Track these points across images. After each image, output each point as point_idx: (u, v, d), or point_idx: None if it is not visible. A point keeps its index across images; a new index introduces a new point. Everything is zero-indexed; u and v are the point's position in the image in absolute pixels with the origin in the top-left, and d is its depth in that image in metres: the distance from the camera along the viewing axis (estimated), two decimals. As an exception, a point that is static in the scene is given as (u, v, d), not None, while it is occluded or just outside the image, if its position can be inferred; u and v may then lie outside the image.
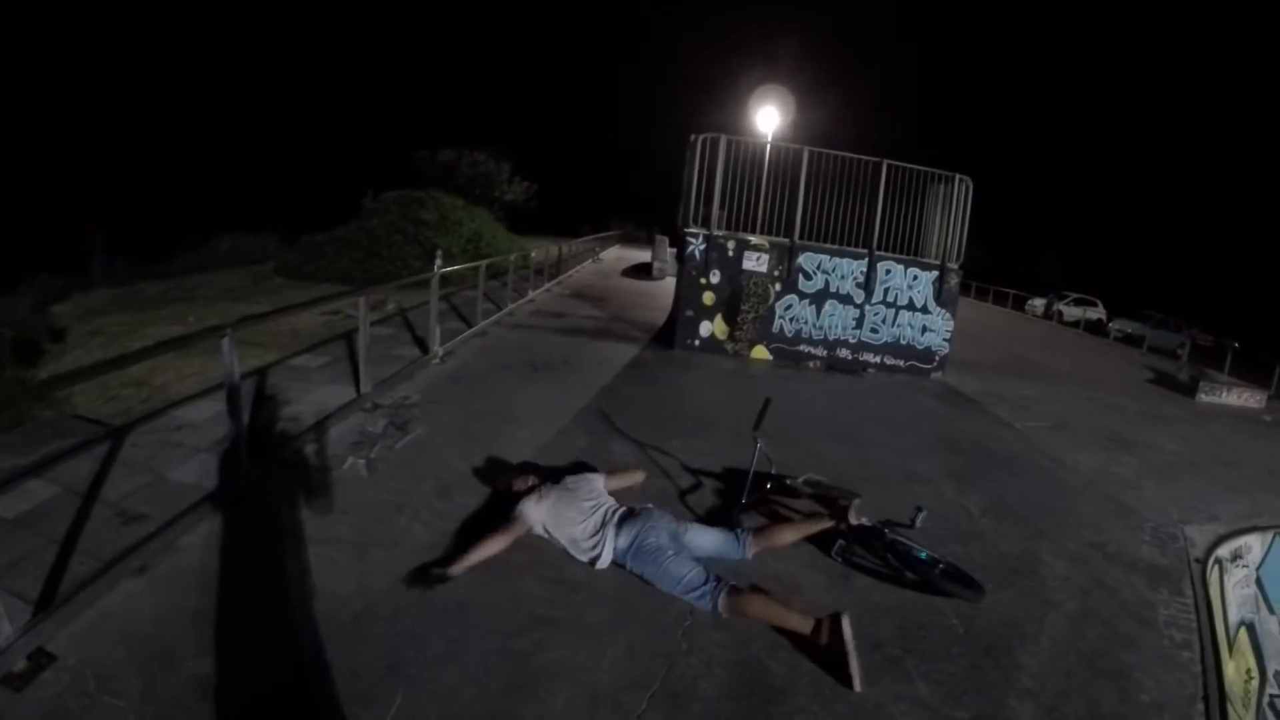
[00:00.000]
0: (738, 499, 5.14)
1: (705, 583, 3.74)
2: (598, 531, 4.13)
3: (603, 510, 4.27)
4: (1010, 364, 15.26)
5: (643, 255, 30.10)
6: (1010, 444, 8.13)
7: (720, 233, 11.03)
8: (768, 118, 16.96)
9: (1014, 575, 4.71)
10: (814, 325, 11.35)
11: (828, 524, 4.63)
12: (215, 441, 5.32)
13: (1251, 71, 48.94)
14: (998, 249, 41.86)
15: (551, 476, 4.69)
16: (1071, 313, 31.55)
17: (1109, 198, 54.31)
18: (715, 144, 10.89)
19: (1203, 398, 13.51)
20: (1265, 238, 41.44)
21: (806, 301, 11.27)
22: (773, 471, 5.30)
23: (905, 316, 11.49)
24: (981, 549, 5.04)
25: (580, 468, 5.47)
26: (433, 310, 8.61)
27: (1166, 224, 48.73)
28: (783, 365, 11.15)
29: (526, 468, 4.86)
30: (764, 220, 11.22)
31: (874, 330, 11.48)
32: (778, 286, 11.18)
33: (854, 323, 11.42)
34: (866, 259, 11.24)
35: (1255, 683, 4.88)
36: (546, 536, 4.21)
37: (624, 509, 4.33)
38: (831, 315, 11.34)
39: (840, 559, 4.44)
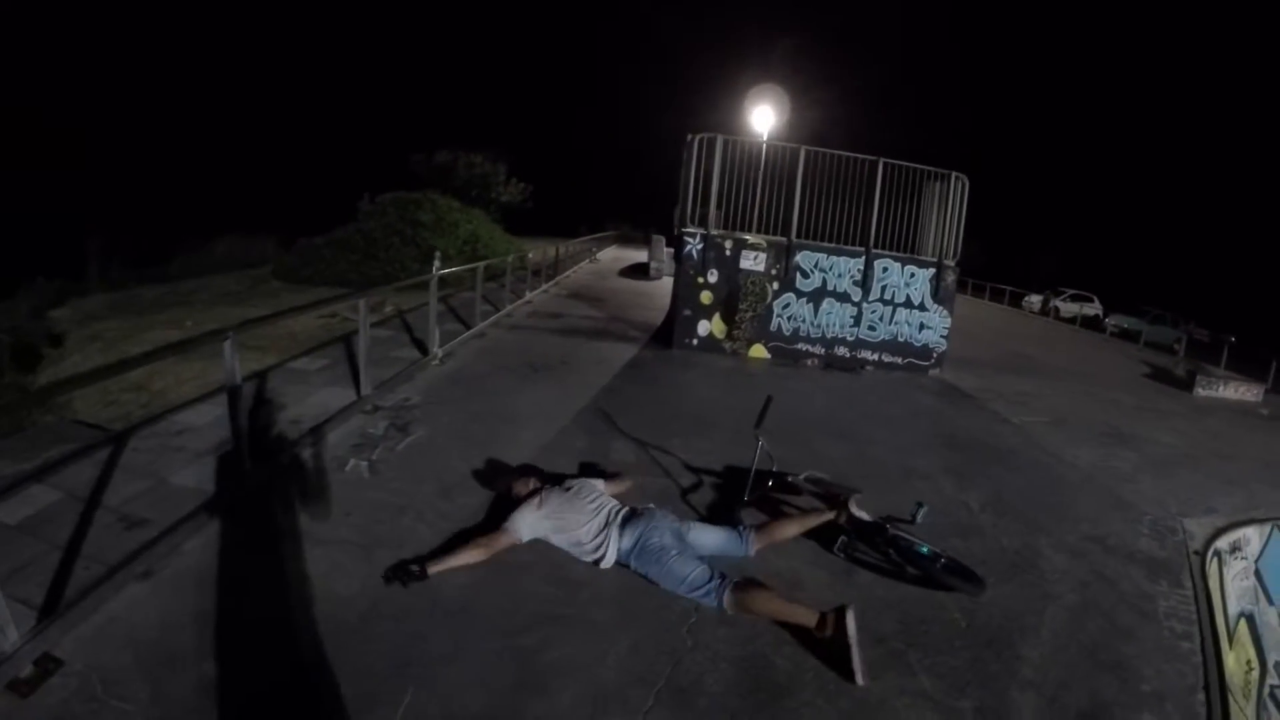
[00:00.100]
0: (739, 497, 5.18)
1: (710, 580, 3.76)
2: (601, 531, 4.15)
3: (606, 511, 4.29)
4: (1008, 360, 15.29)
5: (639, 255, 30.09)
6: (1008, 439, 8.16)
7: (718, 232, 11.06)
8: (763, 117, 17.04)
9: (1014, 569, 4.74)
10: (812, 323, 11.38)
11: (828, 517, 4.66)
12: (216, 445, 5.32)
13: (1246, 66, 49.04)
14: (994, 246, 41.88)
15: (552, 479, 4.70)
16: (1068, 309, 31.60)
17: (1105, 194, 54.38)
18: (712, 144, 10.92)
19: (1200, 392, 13.56)
20: (1260, 233, 41.49)
21: (804, 300, 11.30)
22: (774, 469, 5.33)
23: (903, 314, 11.53)
24: (982, 543, 5.07)
25: (581, 469, 5.53)
26: (432, 312, 8.63)
27: (1162, 219, 48.78)
28: (781, 364, 11.18)
29: (527, 470, 4.85)
30: (761, 219, 11.24)
31: (871, 328, 11.51)
32: (775, 285, 11.21)
33: (852, 321, 11.45)
34: (863, 257, 11.28)
35: (1255, 673, 4.92)
36: (545, 542, 4.21)
37: (627, 509, 4.34)
38: (829, 313, 11.38)
39: (842, 555, 4.46)
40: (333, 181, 35.71)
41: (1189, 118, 51.57)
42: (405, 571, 3.73)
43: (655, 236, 26.22)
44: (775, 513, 4.98)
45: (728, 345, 11.27)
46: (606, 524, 4.19)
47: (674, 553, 3.93)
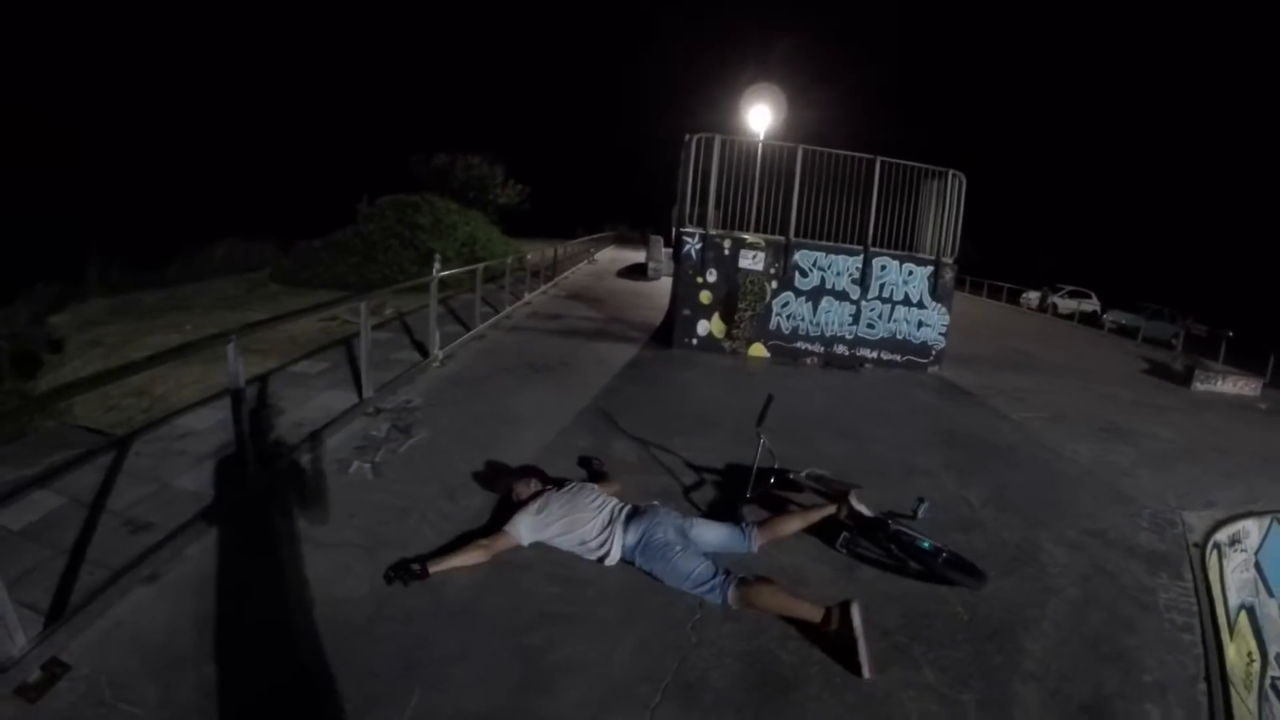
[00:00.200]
0: (742, 494, 5.21)
1: (714, 575, 3.78)
2: (606, 528, 4.17)
3: (609, 509, 4.31)
4: (1006, 357, 15.34)
5: (637, 256, 30.11)
6: (1008, 435, 8.19)
7: (716, 232, 11.08)
8: (760, 117, 17.04)
9: (1015, 563, 4.77)
10: (811, 322, 11.41)
11: (830, 511, 4.70)
12: (219, 448, 5.33)
13: (1242, 62, 49.13)
14: (991, 244, 41.90)
15: (553, 482, 4.72)
16: (1066, 305, 31.66)
17: (1102, 190, 54.48)
18: (710, 144, 10.96)
19: (1198, 386, 13.60)
20: (1257, 227, 41.58)
21: (803, 299, 11.33)
22: (776, 466, 5.37)
23: (901, 312, 11.56)
24: (983, 538, 5.09)
25: (579, 462, 5.67)
26: (432, 314, 8.65)
27: (1159, 215, 48.89)
28: (780, 362, 11.21)
29: (528, 471, 4.87)
30: (759, 219, 11.28)
31: (870, 326, 11.54)
32: (774, 284, 11.24)
33: (850, 319, 11.48)
34: (862, 255, 11.31)
35: (1256, 665, 4.94)
36: (546, 544, 4.23)
37: (630, 507, 4.37)
38: (828, 312, 11.41)
39: (845, 551, 4.49)
40: (330, 184, 35.80)
41: (1186, 113, 51.69)
42: (406, 570, 3.75)
43: (653, 237, 26.26)
44: (778, 509, 4.99)
45: (727, 344, 11.29)
46: (610, 521, 4.21)
47: (678, 549, 3.95)
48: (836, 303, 11.41)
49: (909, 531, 4.50)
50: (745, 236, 11.12)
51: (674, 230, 12.48)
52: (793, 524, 4.58)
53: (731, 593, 3.69)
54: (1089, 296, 32.32)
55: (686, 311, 11.26)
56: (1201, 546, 5.58)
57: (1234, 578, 5.59)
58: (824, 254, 11.28)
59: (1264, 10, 46.37)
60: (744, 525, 4.45)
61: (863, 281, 11.37)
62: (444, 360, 8.75)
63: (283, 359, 8.38)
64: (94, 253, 21.43)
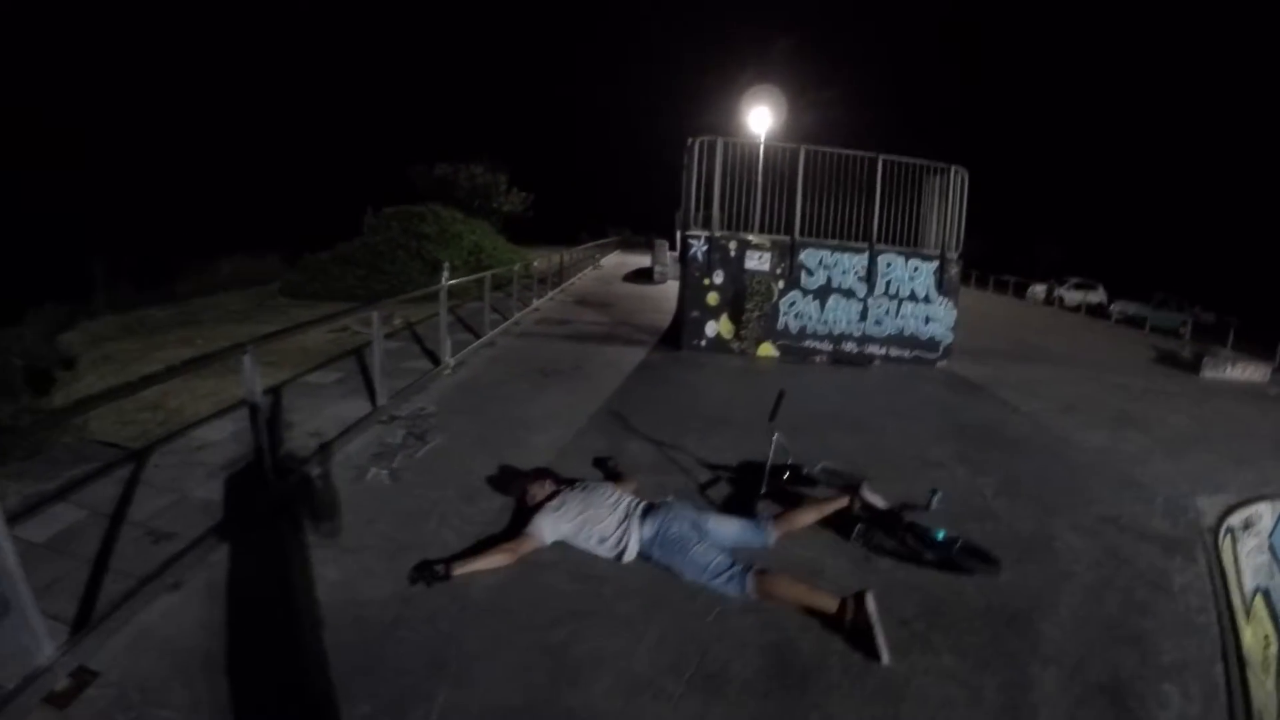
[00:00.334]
0: (756, 490, 5.25)
1: (732, 566, 3.83)
2: (622, 524, 4.22)
3: (625, 505, 4.37)
4: (1014, 350, 15.35)
5: (642, 260, 30.18)
6: (1019, 426, 8.22)
7: (721, 233, 11.14)
8: (761, 118, 17.07)
9: (1030, 550, 4.79)
10: (818, 320, 11.45)
11: (843, 504, 4.74)
12: (237, 458, 5.41)
13: (1246, 50, 48.99)
14: (996, 238, 41.90)
15: (567, 482, 4.76)
16: (1072, 297, 31.64)
17: (1106, 181, 54.35)
18: (712, 146, 11.02)
19: (1207, 374, 13.58)
20: (1263, 214, 41.42)
21: (810, 297, 11.37)
22: (789, 462, 5.41)
23: (908, 307, 11.59)
24: (997, 527, 5.12)
25: (593, 463, 5.73)
26: (442, 322, 8.72)
27: (1164, 204, 48.75)
28: (789, 361, 11.25)
29: (542, 473, 4.89)
30: (764, 219, 11.32)
31: (878, 322, 11.57)
32: (781, 284, 11.28)
33: (858, 316, 11.51)
34: (867, 253, 11.35)
35: (1274, 648, 4.94)
36: (567, 542, 4.27)
37: (645, 502, 4.42)
38: (835, 310, 11.44)
39: (860, 543, 4.52)
40: (334, 198, 35.85)
41: (1189, 102, 51.55)
42: (430, 571, 3.79)
43: (658, 241, 26.34)
44: (792, 503, 5.01)
45: (736, 345, 11.34)
46: (627, 516, 4.26)
47: (695, 541, 4.00)
48: (844, 300, 11.44)
49: (923, 522, 4.54)
50: (750, 237, 11.17)
51: (679, 233, 12.55)
52: (808, 516, 4.63)
53: (750, 582, 3.73)
54: (1095, 288, 32.28)
55: (694, 313, 11.31)
56: (1215, 531, 5.58)
57: (1248, 561, 5.59)
58: (830, 252, 11.31)
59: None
60: (759, 519, 4.50)
61: (869, 279, 11.41)
62: (456, 367, 8.82)
63: (295, 370, 8.45)
64: (101, 271, 21.52)
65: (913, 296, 11.58)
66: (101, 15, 41.11)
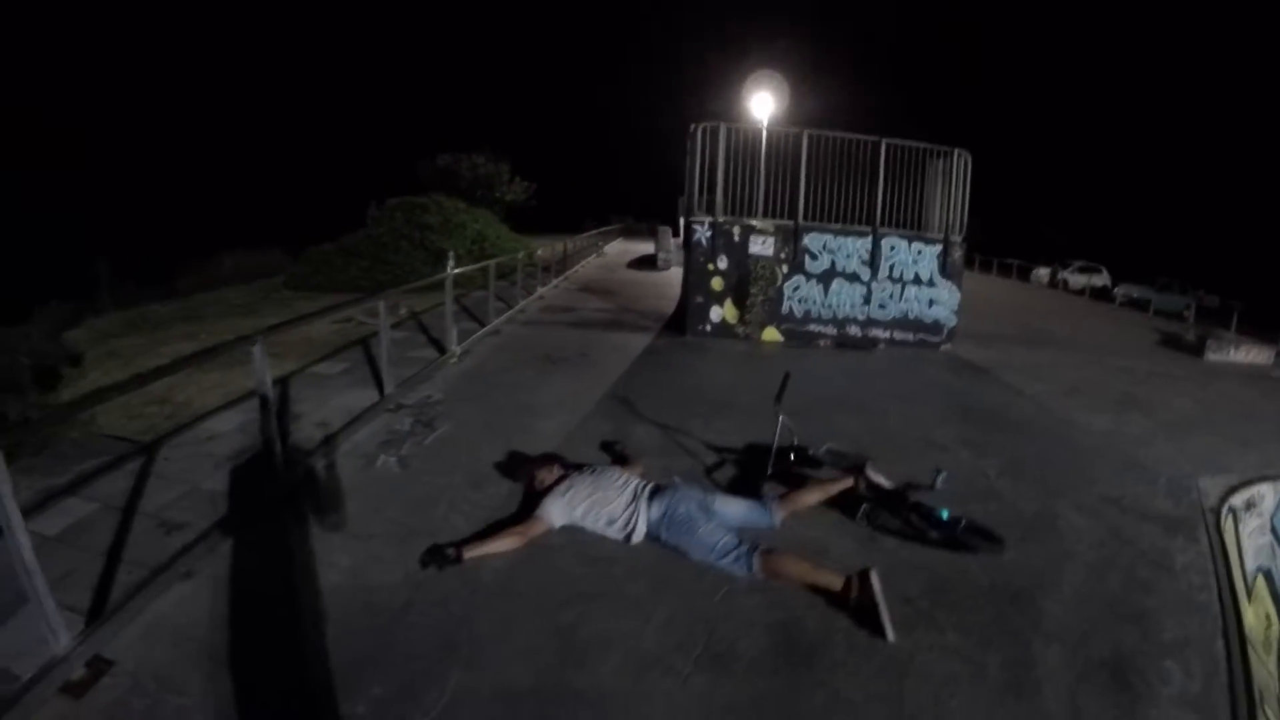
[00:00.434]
0: (762, 472, 5.30)
1: (739, 546, 3.88)
2: (630, 505, 4.28)
3: (633, 486, 4.42)
4: (1018, 333, 15.35)
5: (646, 247, 30.13)
6: (1023, 409, 8.24)
7: (725, 219, 11.15)
8: (764, 104, 17.06)
9: (1034, 530, 4.83)
10: (822, 304, 11.47)
11: (848, 484, 4.80)
12: (246, 449, 5.46)
13: (1249, 33, 48.64)
14: (999, 221, 41.76)
15: (574, 466, 4.81)
16: (1076, 280, 31.58)
17: (1109, 164, 54.05)
18: (715, 132, 11.02)
19: (1210, 356, 13.54)
20: (1267, 198, 41.20)
21: (814, 281, 11.40)
22: (795, 443, 5.45)
23: (912, 291, 11.61)
24: (1000, 508, 5.15)
25: (601, 447, 5.78)
26: (448, 310, 8.76)
27: (1167, 187, 48.47)
28: (794, 345, 11.28)
29: (550, 458, 4.94)
30: (767, 204, 11.34)
31: (882, 306, 11.59)
32: (784, 268, 11.30)
33: (862, 300, 11.54)
34: (870, 237, 11.35)
35: (1276, 629, 4.99)
36: (576, 525, 4.32)
37: (653, 484, 4.48)
38: (839, 294, 11.46)
39: (865, 523, 4.56)
40: (336, 190, 35.99)
41: (1191, 84, 51.23)
42: (441, 555, 3.83)
43: (661, 227, 26.32)
44: (798, 484, 5.05)
45: (740, 330, 11.37)
46: (635, 498, 4.32)
47: (702, 522, 4.06)
48: (847, 284, 11.46)
49: (927, 502, 4.58)
50: (754, 222, 11.18)
51: (682, 219, 12.55)
52: (813, 496, 4.68)
53: (756, 562, 3.78)
54: (1099, 271, 32.20)
55: (699, 299, 11.34)
56: (1216, 510, 5.60)
57: (1250, 542, 5.62)
58: (833, 236, 11.32)
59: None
60: (765, 500, 4.55)
61: (873, 262, 11.42)
62: (462, 356, 8.86)
63: (301, 361, 8.49)
64: (106, 269, 21.60)
65: (916, 280, 11.59)
66: (97, 10, 41.03)
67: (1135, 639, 3.64)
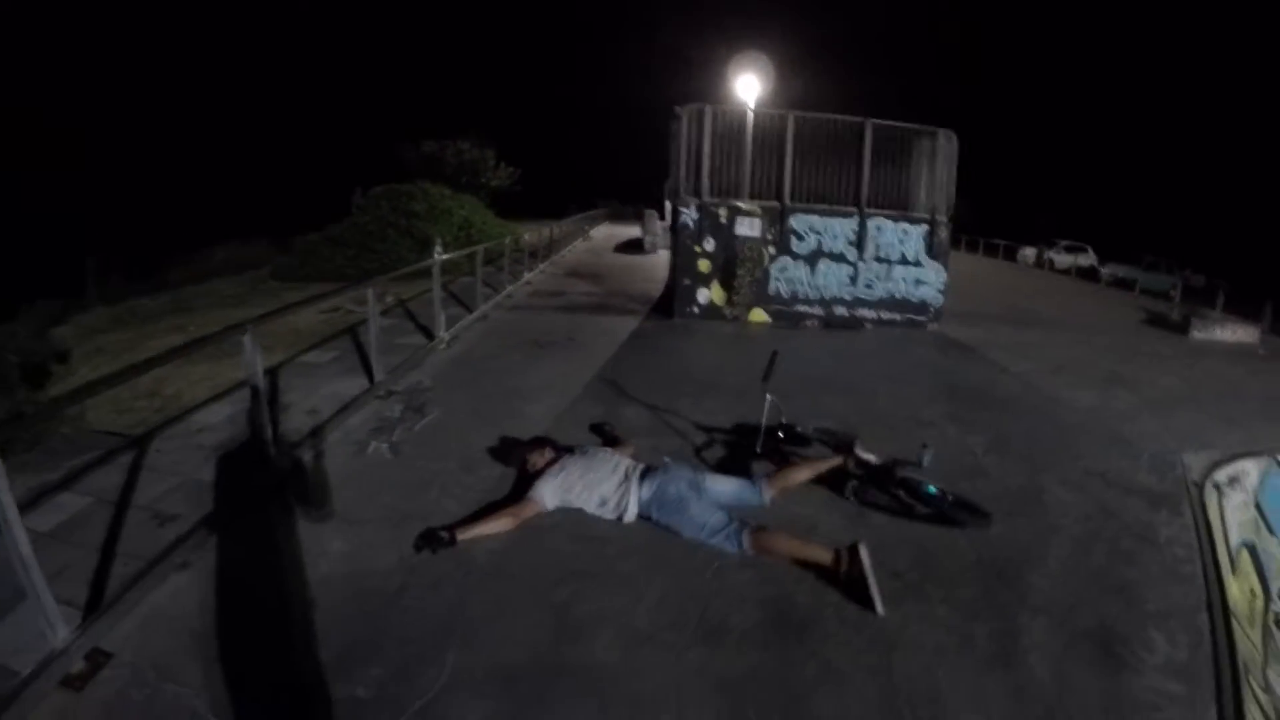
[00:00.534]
0: (751, 450, 5.33)
1: (729, 523, 3.93)
2: (621, 485, 4.31)
3: (624, 467, 4.46)
4: (1004, 313, 15.42)
5: (632, 231, 30.05)
6: (1009, 387, 8.31)
7: (711, 201, 11.15)
8: (749, 86, 17.04)
9: (1020, 504, 4.90)
10: (809, 285, 11.51)
11: (837, 461, 4.85)
12: (237, 439, 5.45)
13: (1235, 16, 48.69)
14: (985, 201, 41.78)
15: (565, 449, 4.84)
16: (1063, 260, 31.61)
17: (1095, 144, 54.17)
18: (700, 115, 11.01)
19: (1196, 335, 13.60)
20: (1253, 177, 41.38)
21: (800, 262, 11.43)
22: (783, 421, 5.49)
23: (899, 271, 11.65)
24: (987, 483, 5.22)
25: (590, 428, 5.81)
26: (436, 297, 8.75)
27: (1153, 167, 48.61)
28: (781, 326, 11.33)
29: (541, 441, 4.97)
30: (753, 186, 11.32)
31: (869, 286, 11.63)
32: (771, 250, 11.32)
33: (848, 280, 11.57)
34: (857, 217, 11.38)
35: (1260, 601, 5.06)
36: (568, 507, 4.35)
37: (644, 465, 4.53)
38: (826, 274, 11.50)
39: (853, 498, 4.61)
40: (321, 180, 35.71)
41: (1177, 62, 51.31)
42: (435, 538, 3.85)
43: (647, 211, 26.30)
44: (786, 462, 5.10)
45: (728, 311, 11.40)
46: (626, 479, 4.35)
47: (693, 501, 4.10)
48: (834, 265, 11.49)
49: (915, 477, 4.63)
50: (740, 204, 11.18)
51: (669, 202, 12.55)
52: (802, 474, 4.72)
53: (747, 538, 3.83)
54: (1085, 250, 32.24)
55: (686, 281, 11.36)
56: (1200, 486, 5.67)
57: (1234, 517, 5.68)
58: (819, 217, 11.34)
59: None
60: (755, 478, 4.58)
61: (859, 243, 11.45)
62: (450, 342, 8.86)
63: (289, 351, 8.46)
64: (93, 268, 21.40)
65: (903, 260, 11.63)
66: (81, 4, 40.54)
67: (1120, 609, 3.71)
